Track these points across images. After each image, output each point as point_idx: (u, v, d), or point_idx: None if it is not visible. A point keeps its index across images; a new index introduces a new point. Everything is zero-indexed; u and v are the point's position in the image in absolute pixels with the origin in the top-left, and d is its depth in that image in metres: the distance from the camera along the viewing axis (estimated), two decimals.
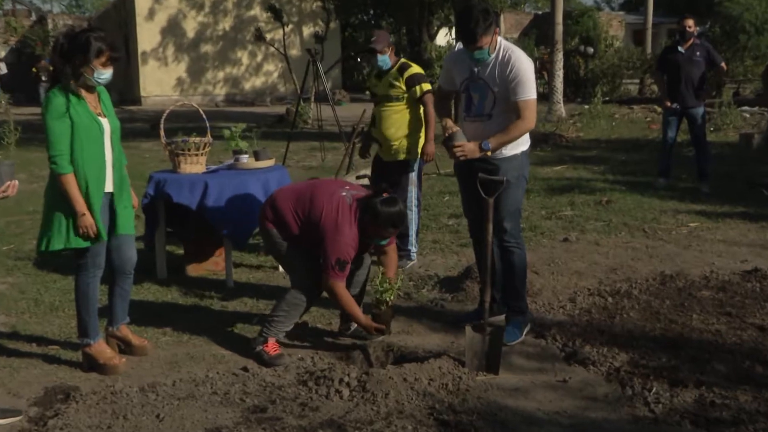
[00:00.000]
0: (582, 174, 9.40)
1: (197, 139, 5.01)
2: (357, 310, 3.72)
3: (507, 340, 3.90)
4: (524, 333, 4.05)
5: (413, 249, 5.42)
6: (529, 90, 3.62)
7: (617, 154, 11.08)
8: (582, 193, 7.98)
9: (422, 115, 5.20)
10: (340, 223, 3.54)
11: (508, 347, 3.88)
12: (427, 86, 5.15)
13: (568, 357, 3.80)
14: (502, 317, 4.19)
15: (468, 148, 3.64)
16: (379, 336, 3.85)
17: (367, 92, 5.48)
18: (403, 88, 5.11)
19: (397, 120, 5.17)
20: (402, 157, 5.24)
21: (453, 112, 4.12)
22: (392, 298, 3.80)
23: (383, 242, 3.76)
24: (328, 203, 3.63)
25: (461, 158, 3.65)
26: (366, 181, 5.56)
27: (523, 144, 3.87)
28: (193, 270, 5.31)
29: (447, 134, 3.70)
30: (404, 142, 5.21)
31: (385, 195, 3.59)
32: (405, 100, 5.14)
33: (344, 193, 3.68)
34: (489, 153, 3.66)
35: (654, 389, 3.35)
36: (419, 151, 5.24)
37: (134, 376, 3.58)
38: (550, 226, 6.62)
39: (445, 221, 6.89)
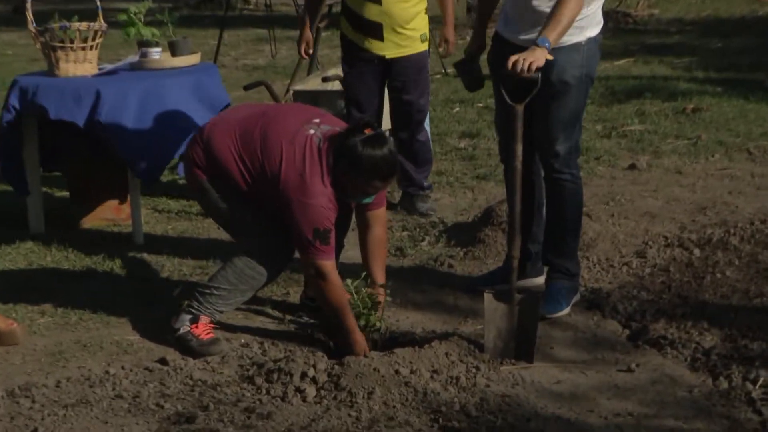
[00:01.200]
0: (657, 70, 9.38)
1: (84, 26, 4.92)
2: (348, 314, 3.62)
3: (547, 312, 3.95)
4: (572, 303, 4.09)
5: (427, 185, 5.46)
6: None
7: (709, 39, 11.07)
8: (656, 98, 7.98)
9: None
10: (309, 179, 3.50)
11: (547, 323, 3.90)
12: None
13: (634, 336, 3.83)
14: (541, 280, 4.23)
15: (531, 56, 3.59)
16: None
17: None
18: None
19: None
20: (422, 47, 5.19)
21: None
22: (380, 323, 3.76)
23: (367, 200, 3.74)
24: (289, 148, 3.56)
25: (526, 74, 3.60)
26: (338, 86, 5.54)
27: (591, 27, 3.88)
28: (85, 221, 5.32)
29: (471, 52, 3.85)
30: (424, 21, 5.16)
31: (367, 131, 3.52)
32: None
33: (311, 131, 3.60)
34: (549, 56, 3.66)
35: (761, 381, 3.37)
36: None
37: None
38: (609, 147, 6.63)
39: (455, 143, 6.90)
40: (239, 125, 3.71)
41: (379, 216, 3.84)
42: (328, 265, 3.58)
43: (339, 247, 3.92)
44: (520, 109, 3.69)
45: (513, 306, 3.64)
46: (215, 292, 3.75)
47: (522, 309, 3.63)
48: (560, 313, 4.00)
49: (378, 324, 3.75)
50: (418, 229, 5.17)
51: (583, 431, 3.12)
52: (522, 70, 3.60)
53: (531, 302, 3.66)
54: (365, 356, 3.49)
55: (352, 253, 4.16)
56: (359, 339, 3.65)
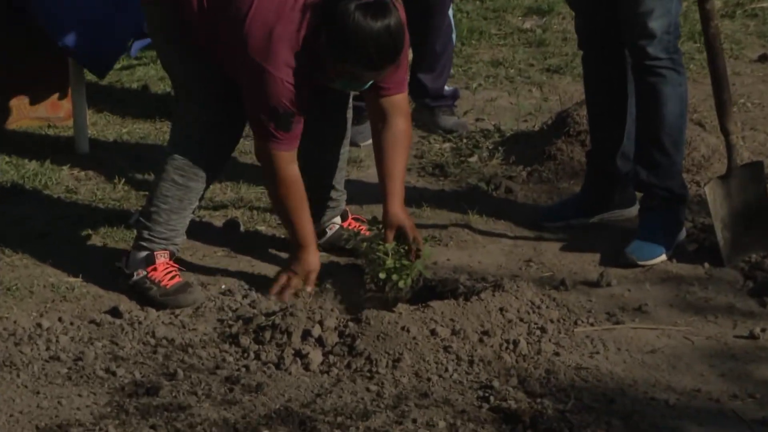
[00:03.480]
0: None
1: None
2: (303, 221, 3.78)
3: (638, 257, 4.00)
4: (674, 244, 4.10)
5: (449, 91, 5.46)
6: None
7: None
8: None
9: None
10: (276, 41, 3.56)
11: (639, 271, 3.94)
12: None
13: (759, 291, 3.83)
14: (633, 212, 4.27)
15: None
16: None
17: None
18: None
19: None
20: None
21: None
22: (409, 282, 3.75)
23: (359, 87, 3.73)
24: None
25: None
26: None
27: None
28: (11, 121, 5.34)
29: None
30: None
31: None
32: None
33: None
34: None
35: None
36: None
37: None
38: (731, 31, 6.56)
39: (517, 22, 6.86)
40: None
41: (398, 104, 3.81)
42: (285, 156, 3.66)
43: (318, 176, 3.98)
44: None
45: (732, 186, 3.84)
46: (162, 205, 3.81)
47: (743, 185, 3.88)
48: (657, 260, 4.01)
49: (404, 283, 3.73)
50: (465, 141, 5.14)
51: (687, 418, 3.10)
52: None
53: (754, 172, 3.94)
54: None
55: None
56: (303, 253, 3.77)
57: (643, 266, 3.96)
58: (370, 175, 4.47)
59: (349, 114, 4.10)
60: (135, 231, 3.96)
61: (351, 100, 4.10)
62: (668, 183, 4.07)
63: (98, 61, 4.90)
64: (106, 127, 5.34)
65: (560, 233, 4.25)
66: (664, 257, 4.03)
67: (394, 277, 3.70)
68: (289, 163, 3.70)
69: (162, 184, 3.82)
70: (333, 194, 4.11)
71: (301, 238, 3.79)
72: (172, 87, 4.04)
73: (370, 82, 3.67)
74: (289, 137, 3.64)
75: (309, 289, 3.78)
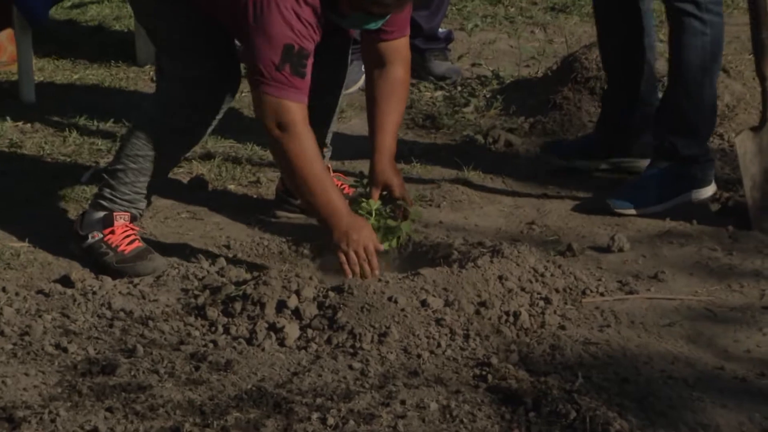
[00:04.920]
0: None
1: None
2: (332, 186, 3.64)
3: (617, 204, 4.11)
4: (674, 202, 4.15)
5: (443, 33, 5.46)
6: None
7: None
8: None
9: None
10: None
11: (656, 236, 3.97)
12: None
13: None
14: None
15: None
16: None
17: None
18: None
19: None
20: None
21: None
22: (395, 245, 3.76)
23: (371, 25, 3.71)
24: None
25: None
26: None
27: None
28: None
29: None
30: None
31: None
32: None
33: None
34: None
35: None
36: None
37: None
38: None
39: None
40: None
41: (399, 49, 3.83)
42: (298, 110, 3.56)
43: (322, 132, 3.98)
44: None
45: (766, 140, 3.87)
46: (131, 164, 3.79)
47: None
48: (631, 211, 4.10)
49: (391, 245, 3.74)
50: (459, 88, 5.15)
51: (709, 398, 3.08)
52: None
53: None
54: (366, 275, 3.52)
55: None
56: (360, 229, 3.59)
57: (619, 214, 4.05)
58: (352, 126, 4.44)
59: (348, 60, 4.07)
60: (89, 189, 3.95)
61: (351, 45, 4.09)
62: (673, 138, 4.10)
63: (39, 10, 4.92)
64: (54, 72, 5.35)
65: (566, 192, 4.26)
66: (650, 209, 4.10)
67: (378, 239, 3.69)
68: (304, 118, 3.58)
69: (134, 141, 3.80)
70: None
71: (335, 208, 3.61)
72: (152, 42, 4.01)
73: (384, 20, 3.65)
74: (303, 84, 3.56)
75: (376, 271, 3.62)
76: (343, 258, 3.59)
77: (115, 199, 3.80)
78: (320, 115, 3.98)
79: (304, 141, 3.58)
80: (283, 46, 3.51)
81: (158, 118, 3.82)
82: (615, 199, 4.09)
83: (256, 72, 3.57)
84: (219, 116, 3.88)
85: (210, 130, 3.93)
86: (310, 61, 3.56)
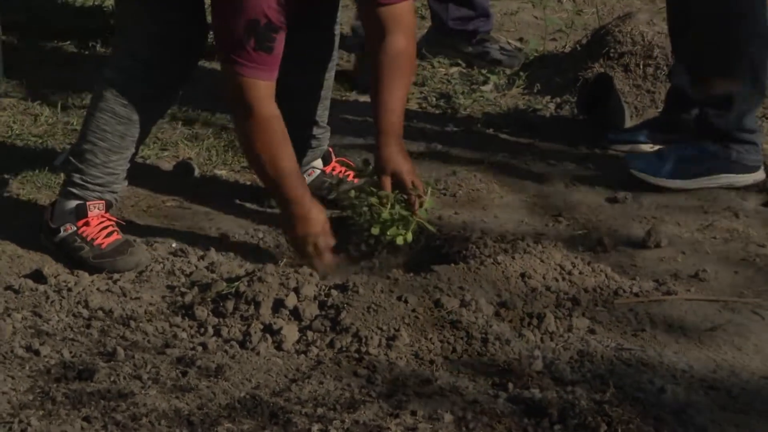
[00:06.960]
0: None
1: None
2: (289, 170, 3.70)
3: (635, 166, 4.20)
4: (692, 181, 4.20)
5: None
6: None
7: None
8: None
9: None
10: None
11: (696, 228, 3.99)
12: None
13: None
14: None
15: None
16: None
17: None
18: None
19: None
20: None
21: None
22: (409, 239, 3.74)
23: None
24: None
25: None
26: None
27: None
28: None
29: None
30: None
31: None
32: None
33: None
34: None
35: None
36: None
37: None
38: None
39: None
40: None
41: (400, 15, 3.79)
42: (263, 87, 3.61)
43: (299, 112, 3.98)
44: None
45: None
46: (100, 142, 3.81)
47: None
48: (643, 176, 4.17)
49: (402, 239, 3.73)
50: (477, 65, 5.16)
51: (755, 412, 3.08)
52: None
53: None
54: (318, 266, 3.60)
55: None
56: (310, 218, 3.67)
57: (633, 176, 4.12)
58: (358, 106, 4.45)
59: (338, 30, 4.10)
60: (63, 175, 3.96)
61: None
62: (695, 110, 4.23)
63: None
64: (23, 45, 5.34)
65: (596, 180, 4.28)
66: (664, 183, 4.16)
67: (391, 232, 3.69)
68: (268, 97, 3.64)
69: (99, 116, 3.82)
70: (314, 131, 4.12)
71: (289, 193, 3.69)
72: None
73: None
74: (269, 61, 3.59)
75: (326, 260, 3.71)
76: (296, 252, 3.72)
77: (86, 184, 3.80)
78: (300, 99, 4.04)
79: (264, 121, 3.64)
80: (248, 21, 3.52)
81: (120, 84, 3.81)
82: (635, 159, 4.15)
83: (219, 45, 3.66)
84: (188, 76, 3.92)
85: (178, 91, 3.97)
86: (280, 36, 3.58)
